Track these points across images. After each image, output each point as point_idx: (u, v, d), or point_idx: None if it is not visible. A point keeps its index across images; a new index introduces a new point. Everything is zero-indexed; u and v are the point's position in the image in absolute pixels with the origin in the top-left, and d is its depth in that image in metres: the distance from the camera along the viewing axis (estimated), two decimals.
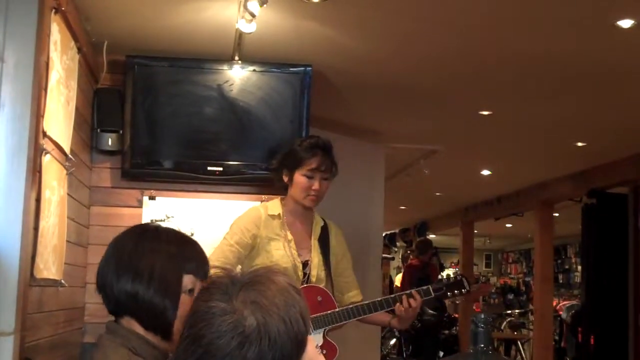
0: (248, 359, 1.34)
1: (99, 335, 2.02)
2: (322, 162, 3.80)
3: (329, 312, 3.74)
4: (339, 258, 3.97)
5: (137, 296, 1.94)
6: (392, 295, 3.85)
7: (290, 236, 3.81)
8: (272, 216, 3.83)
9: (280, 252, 3.76)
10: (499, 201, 11.41)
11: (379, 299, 3.84)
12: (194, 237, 2.09)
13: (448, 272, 20.59)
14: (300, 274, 3.78)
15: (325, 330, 3.74)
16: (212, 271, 2.02)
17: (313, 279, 3.81)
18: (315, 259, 3.85)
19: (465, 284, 3.96)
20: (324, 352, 3.72)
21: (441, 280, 4.03)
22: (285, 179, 3.86)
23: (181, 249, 2.02)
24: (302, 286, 3.75)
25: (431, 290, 3.89)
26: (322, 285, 3.82)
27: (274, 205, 3.89)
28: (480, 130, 6.98)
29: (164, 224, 4.59)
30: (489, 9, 3.99)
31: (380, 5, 3.96)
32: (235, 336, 1.35)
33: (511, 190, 10.67)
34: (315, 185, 3.77)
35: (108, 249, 2.06)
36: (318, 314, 3.71)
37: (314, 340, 1.52)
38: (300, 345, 1.40)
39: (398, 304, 3.76)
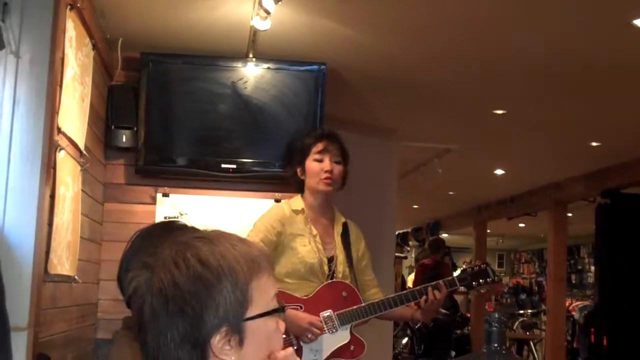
0: (147, 313, 1.39)
1: (115, 330, 2.03)
2: (328, 144, 3.82)
3: (354, 307, 3.74)
4: (360, 256, 3.97)
5: None
6: (418, 287, 3.82)
7: (315, 231, 3.81)
8: (296, 211, 3.83)
9: (307, 248, 3.76)
10: (512, 201, 11.38)
11: (404, 291, 3.84)
12: None
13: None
14: (326, 268, 3.77)
15: (352, 325, 3.74)
16: None
17: (339, 275, 3.80)
18: (340, 255, 3.85)
19: (490, 272, 3.94)
20: (352, 347, 3.73)
21: (465, 269, 4.00)
22: (300, 173, 3.87)
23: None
24: (328, 281, 3.77)
25: (456, 281, 3.88)
26: (346, 281, 3.83)
27: (297, 201, 3.90)
28: (494, 130, 6.96)
29: (189, 222, 4.60)
30: (504, 8, 3.98)
31: (394, 3, 3.95)
32: (137, 299, 1.41)
33: (524, 189, 10.64)
34: (326, 165, 3.78)
35: (134, 240, 2.04)
36: (344, 310, 3.71)
37: (270, 285, 1.48)
38: (206, 282, 1.37)
39: (424, 296, 3.75)
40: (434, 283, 3.79)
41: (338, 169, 3.82)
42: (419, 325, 10.01)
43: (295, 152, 3.94)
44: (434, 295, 3.74)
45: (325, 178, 3.79)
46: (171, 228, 2.02)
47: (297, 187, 3.94)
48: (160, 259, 1.42)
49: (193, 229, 2.01)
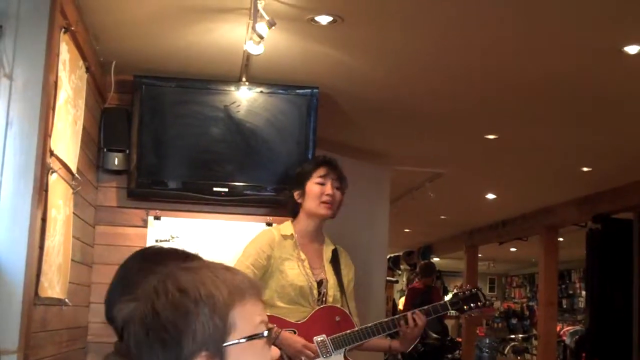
0: (132, 342, 1.43)
1: (105, 355, 2.01)
2: (330, 170, 3.86)
3: (348, 332, 3.73)
4: (347, 283, 3.97)
5: None
6: (405, 313, 3.83)
7: (303, 256, 3.82)
8: (285, 236, 3.84)
9: (295, 272, 3.77)
10: (503, 225, 11.39)
11: (397, 316, 3.85)
12: None
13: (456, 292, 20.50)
14: (316, 292, 3.78)
15: (345, 350, 3.74)
16: None
17: (330, 299, 3.81)
18: (331, 279, 3.86)
19: (481, 296, 3.96)
20: None
21: (457, 294, 4.02)
22: (297, 197, 3.88)
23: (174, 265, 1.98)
24: (322, 306, 3.77)
25: (448, 305, 3.89)
26: (338, 306, 3.82)
27: (286, 226, 3.91)
28: (485, 154, 6.98)
29: (168, 244, 4.60)
30: (495, 35, 4.00)
31: (387, 28, 3.97)
32: (125, 330, 1.47)
33: (516, 214, 10.65)
34: (328, 189, 3.81)
35: (115, 274, 2.04)
36: (338, 334, 3.71)
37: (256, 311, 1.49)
38: (184, 309, 1.39)
39: (403, 323, 3.75)
40: (411, 311, 3.81)
41: (338, 194, 3.86)
42: (409, 349, 9.98)
43: (295, 176, 3.96)
44: (414, 321, 3.74)
45: (327, 202, 3.81)
46: (145, 258, 2.01)
47: (291, 210, 3.94)
48: (145, 289, 1.45)
49: (168, 253, 2.01)
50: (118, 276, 2.01)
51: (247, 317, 1.44)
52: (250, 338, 1.43)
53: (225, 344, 1.40)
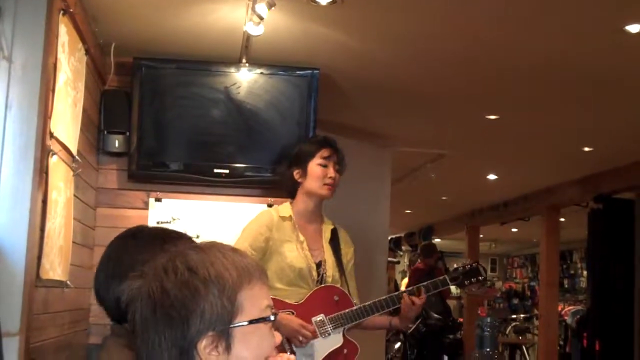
0: (137, 320, 1.43)
1: (103, 336, 2.02)
2: (333, 152, 3.84)
3: (346, 310, 3.73)
4: (345, 263, 3.97)
5: None
6: (410, 288, 3.82)
7: (302, 237, 3.81)
8: (283, 218, 3.83)
9: (294, 254, 3.76)
10: (505, 206, 11.39)
11: (396, 293, 3.83)
12: (198, 239, 2.06)
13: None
14: (315, 274, 3.77)
15: (345, 328, 3.74)
16: None
17: (329, 280, 3.80)
18: (330, 259, 3.85)
19: (482, 270, 3.94)
20: (345, 351, 3.74)
21: (457, 268, 4.00)
22: (297, 176, 3.85)
23: (167, 245, 1.96)
24: (320, 286, 3.77)
25: (448, 280, 3.88)
26: (337, 285, 3.83)
27: (285, 208, 3.89)
28: (486, 135, 6.97)
29: (169, 226, 4.60)
30: (497, 15, 3.99)
31: (387, 9, 3.96)
32: (130, 307, 1.45)
33: (517, 194, 10.65)
34: (331, 172, 3.80)
35: (102, 257, 2.03)
36: (336, 314, 3.71)
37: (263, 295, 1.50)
38: (193, 288, 1.40)
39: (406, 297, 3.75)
40: (410, 288, 3.80)
41: (338, 177, 3.84)
42: (411, 329, 10.01)
43: (296, 154, 3.93)
44: (411, 300, 3.74)
45: (329, 184, 3.80)
46: (126, 239, 2.00)
47: (289, 190, 3.93)
48: (153, 267, 1.45)
49: (149, 232, 2.01)
50: (107, 257, 2.00)
51: (254, 300, 1.46)
52: (256, 321, 1.45)
53: (232, 325, 1.41)
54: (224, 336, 1.40)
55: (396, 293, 3.83)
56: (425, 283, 3.82)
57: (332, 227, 3.95)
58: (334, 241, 3.92)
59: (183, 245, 1.52)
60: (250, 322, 1.43)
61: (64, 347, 3.94)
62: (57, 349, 3.72)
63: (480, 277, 3.93)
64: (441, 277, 3.91)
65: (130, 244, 1.98)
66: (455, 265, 4.32)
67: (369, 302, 3.78)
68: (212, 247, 1.48)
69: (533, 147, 7.51)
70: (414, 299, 3.74)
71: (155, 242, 1.92)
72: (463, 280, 3.91)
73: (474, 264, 3.96)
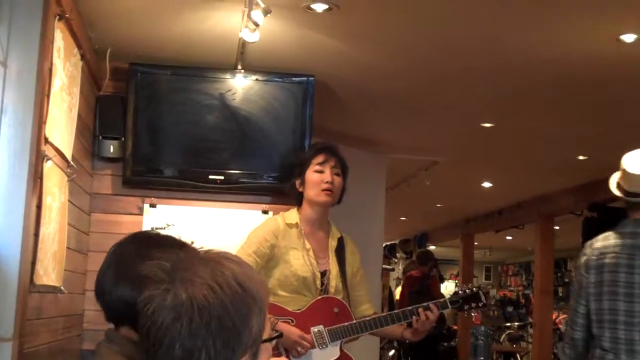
0: (184, 330, 1.38)
1: (98, 342, 2.01)
2: (329, 156, 3.83)
3: (346, 324, 3.73)
4: (354, 271, 3.96)
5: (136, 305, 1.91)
6: (410, 308, 3.80)
7: (308, 245, 3.80)
8: (290, 225, 3.82)
9: (300, 262, 3.75)
10: (499, 213, 11.40)
11: (396, 311, 3.83)
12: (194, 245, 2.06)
13: (449, 283, 20.58)
14: (319, 283, 3.76)
15: (342, 342, 3.73)
16: None
17: (332, 290, 3.79)
18: (334, 270, 3.84)
19: (482, 297, 3.94)
20: None
21: (458, 292, 4.00)
22: (299, 185, 3.86)
23: (182, 253, 1.98)
24: (320, 297, 3.76)
25: (448, 303, 3.88)
26: (339, 297, 3.81)
27: (292, 214, 3.89)
28: (481, 142, 6.98)
29: (164, 232, 4.59)
30: (491, 23, 4.00)
31: (383, 16, 3.96)
32: (168, 311, 1.40)
33: (512, 202, 10.67)
34: (327, 176, 3.78)
35: (108, 256, 2.03)
36: (335, 326, 3.70)
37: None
38: (241, 307, 1.40)
39: (415, 316, 3.75)
40: (425, 304, 3.78)
41: (338, 180, 3.83)
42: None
43: (294, 165, 3.94)
44: (427, 316, 3.73)
45: (326, 189, 3.79)
46: (144, 243, 2.00)
47: (296, 200, 3.93)
48: (199, 277, 1.43)
49: (168, 240, 2.01)
50: (112, 261, 2.00)
51: (267, 317, 1.50)
52: (272, 339, 1.51)
53: (261, 342, 1.46)
54: (257, 353, 1.45)
55: (395, 312, 3.82)
56: (425, 304, 3.80)
57: (339, 236, 3.94)
58: (340, 250, 3.91)
59: (191, 253, 1.52)
60: (269, 339, 1.48)
61: (58, 353, 3.92)
62: (50, 354, 3.71)
63: (480, 304, 3.93)
64: (442, 300, 3.90)
65: (142, 247, 1.97)
66: (456, 288, 4.31)
67: (368, 318, 3.78)
68: (233, 260, 1.49)
69: (528, 155, 7.52)
70: (428, 314, 3.73)
71: (169, 248, 1.91)
72: (463, 305, 3.91)
73: (474, 289, 3.96)
